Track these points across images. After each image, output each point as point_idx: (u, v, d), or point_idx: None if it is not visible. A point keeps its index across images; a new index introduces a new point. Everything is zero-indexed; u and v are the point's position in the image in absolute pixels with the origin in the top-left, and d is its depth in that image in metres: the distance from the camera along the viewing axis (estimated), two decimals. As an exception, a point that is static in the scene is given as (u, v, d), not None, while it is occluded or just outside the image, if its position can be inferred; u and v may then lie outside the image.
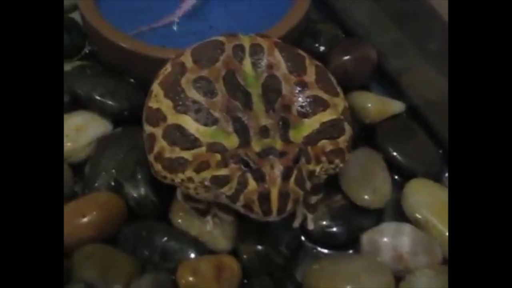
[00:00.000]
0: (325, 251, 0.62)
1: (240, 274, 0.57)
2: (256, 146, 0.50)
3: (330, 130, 0.55)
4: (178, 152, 0.53)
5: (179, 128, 0.53)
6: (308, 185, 0.51)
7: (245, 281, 0.58)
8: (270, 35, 0.61)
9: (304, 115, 0.55)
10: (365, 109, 0.68)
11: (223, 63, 0.56)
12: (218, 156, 0.51)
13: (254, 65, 0.56)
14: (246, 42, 0.58)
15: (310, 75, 0.57)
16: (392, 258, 0.59)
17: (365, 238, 0.60)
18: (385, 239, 0.59)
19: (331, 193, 0.63)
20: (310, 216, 0.61)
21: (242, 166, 0.49)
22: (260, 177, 0.48)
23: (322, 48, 0.73)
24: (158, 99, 0.55)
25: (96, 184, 0.62)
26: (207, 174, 0.51)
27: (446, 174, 0.67)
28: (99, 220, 0.58)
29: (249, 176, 0.49)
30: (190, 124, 0.53)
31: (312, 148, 0.53)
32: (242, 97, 0.54)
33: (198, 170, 0.52)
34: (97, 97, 0.66)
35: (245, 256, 0.59)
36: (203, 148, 0.52)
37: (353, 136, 0.58)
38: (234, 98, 0.54)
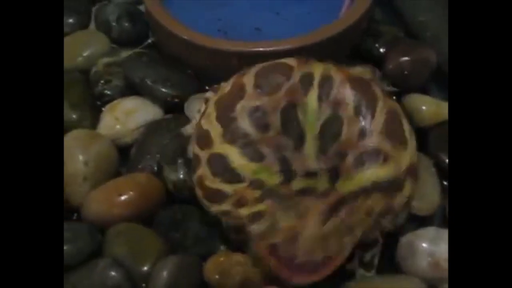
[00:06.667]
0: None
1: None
2: (296, 185, 0.49)
3: (384, 187, 0.50)
4: (218, 184, 0.52)
5: (223, 159, 0.51)
6: (347, 240, 0.48)
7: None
8: (341, 68, 0.55)
9: (359, 166, 0.51)
10: (420, 111, 0.66)
11: (286, 92, 0.52)
12: (258, 193, 0.50)
13: (320, 99, 0.52)
14: (317, 70, 0.54)
15: (378, 122, 0.52)
16: (428, 264, 0.56)
17: (403, 241, 0.58)
18: (423, 244, 0.57)
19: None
20: (368, 275, 0.57)
21: (277, 202, 0.48)
22: (292, 216, 0.47)
23: (382, 50, 0.71)
24: (210, 120, 0.54)
25: (140, 167, 0.63)
26: (244, 212, 0.50)
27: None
28: (135, 200, 0.59)
29: (281, 213, 0.48)
30: (235, 157, 0.51)
31: (362, 201, 0.50)
32: (296, 136, 0.51)
33: (236, 205, 0.51)
34: (149, 83, 0.67)
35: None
36: (245, 184, 0.51)
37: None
38: (287, 135, 0.51)
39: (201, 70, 0.69)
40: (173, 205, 0.61)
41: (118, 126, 0.66)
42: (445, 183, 0.63)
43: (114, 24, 0.75)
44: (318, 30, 0.67)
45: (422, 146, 0.65)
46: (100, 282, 0.54)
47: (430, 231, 0.58)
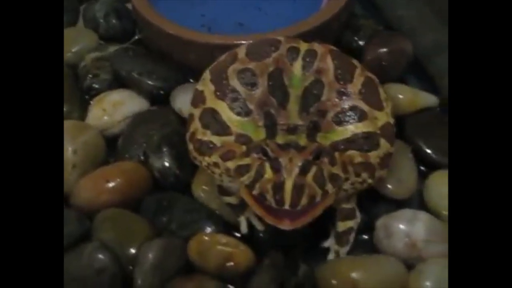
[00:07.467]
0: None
1: (251, 261, 0.57)
2: (280, 139, 0.52)
3: (361, 142, 0.54)
4: (208, 136, 0.55)
5: (214, 113, 0.55)
6: (329, 187, 0.50)
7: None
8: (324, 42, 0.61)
9: (337, 122, 0.55)
10: (397, 100, 0.68)
11: (274, 60, 0.57)
12: (244, 148, 0.53)
13: (304, 67, 0.57)
14: (303, 45, 0.59)
15: (356, 85, 0.56)
16: (405, 245, 0.58)
17: (380, 223, 0.60)
18: (400, 225, 0.58)
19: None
20: (342, 251, 0.59)
21: (262, 156, 0.50)
22: (277, 167, 0.49)
23: (361, 42, 0.74)
24: (204, 83, 0.58)
25: (127, 156, 0.65)
26: (231, 165, 0.53)
27: (475, 169, 0.65)
28: (122, 186, 0.61)
29: (266, 165, 0.49)
30: (225, 111, 0.55)
31: (340, 155, 0.53)
32: (280, 95, 0.56)
33: (224, 158, 0.54)
34: (136, 76, 0.69)
35: (261, 234, 0.60)
36: (232, 137, 0.54)
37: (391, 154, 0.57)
38: (272, 95, 0.56)
39: (185, 63, 0.71)
40: (159, 192, 0.63)
41: (105, 117, 0.68)
42: (421, 168, 0.66)
43: (101, 21, 0.77)
44: (298, 23, 0.70)
45: (400, 133, 0.67)
46: (88, 264, 0.55)
47: (407, 212, 0.60)
